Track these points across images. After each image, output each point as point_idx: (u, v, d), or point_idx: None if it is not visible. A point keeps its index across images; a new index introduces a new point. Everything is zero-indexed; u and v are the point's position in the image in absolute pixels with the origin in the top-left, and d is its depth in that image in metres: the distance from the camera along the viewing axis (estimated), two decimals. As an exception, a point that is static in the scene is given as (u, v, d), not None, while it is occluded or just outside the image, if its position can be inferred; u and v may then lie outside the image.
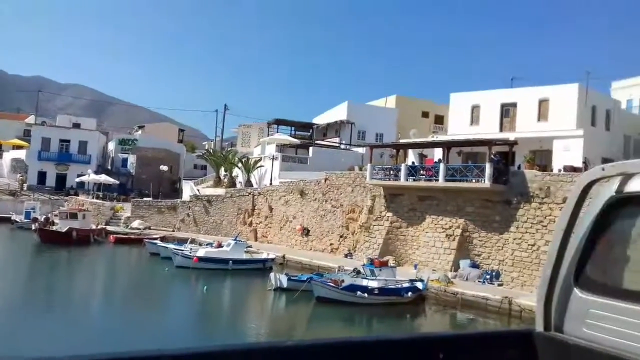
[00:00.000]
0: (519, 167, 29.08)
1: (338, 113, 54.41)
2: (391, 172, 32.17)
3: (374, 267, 24.09)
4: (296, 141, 49.54)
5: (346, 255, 33.23)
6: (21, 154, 65.36)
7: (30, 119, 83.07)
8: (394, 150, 35.91)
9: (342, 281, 22.98)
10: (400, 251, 30.86)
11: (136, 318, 19.78)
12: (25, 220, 45.58)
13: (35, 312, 19.86)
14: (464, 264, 27.31)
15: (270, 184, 43.63)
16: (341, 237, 35.09)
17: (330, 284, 22.67)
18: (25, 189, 58.76)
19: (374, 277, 23.32)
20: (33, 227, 39.64)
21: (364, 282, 23.12)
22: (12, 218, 48.49)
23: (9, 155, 67.26)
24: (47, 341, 15.69)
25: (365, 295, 22.29)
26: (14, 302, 21.57)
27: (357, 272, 24.38)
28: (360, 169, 37.61)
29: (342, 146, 51.17)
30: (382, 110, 54.58)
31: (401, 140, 39.75)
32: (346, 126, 52.42)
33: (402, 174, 30.76)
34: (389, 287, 23.22)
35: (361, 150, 45.88)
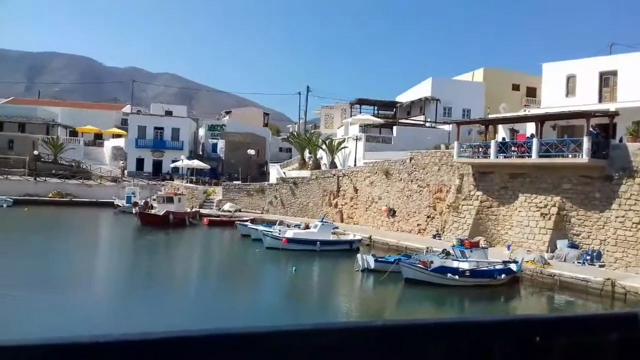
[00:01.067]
0: (620, 140, 27.06)
1: (422, 90, 53.19)
2: (480, 149, 31.08)
3: (464, 248, 23.50)
4: (379, 121, 49.06)
5: (434, 236, 32.68)
6: (120, 142, 69.64)
7: (127, 109, 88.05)
8: (482, 126, 34.62)
9: (431, 262, 22.62)
10: (492, 231, 29.88)
11: (230, 296, 20.60)
12: (127, 205, 48.61)
13: (138, 289, 21.24)
14: (561, 244, 25.98)
15: (355, 164, 43.62)
16: (428, 217, 34.52)
17: (419, 265, 22.39)
18: (125, 175, 62.64)
19: (465, 259, 22.76)
20: (134, 211, 42.19)
21: (455, 264, 22.63)
22: (115, 203, 51.92)
23: (110, 144, 71.87)
24: (147, 317, 16.74)
25: (456, 277, 21.83)
26: (119, 280, 23.19)
27: (447, 254, 23.91)
28: (447, 147, 36.66)
29: (427, 124, 50.07)
30: (469, 85, 52.72)
31: (490, 116, 38.22)
32: (431, 103, 51.19)
33: (492, 151, 29.62)
34: (481, 268, 22.58)
35: (447, 127, 44.67)
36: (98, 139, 75.86)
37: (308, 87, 74.55)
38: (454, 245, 24.75)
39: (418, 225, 35.07)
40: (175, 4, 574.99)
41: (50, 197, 54.13)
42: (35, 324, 14.93)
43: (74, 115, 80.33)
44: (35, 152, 60.31)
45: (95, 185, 58.25)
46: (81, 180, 58.56)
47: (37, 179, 56.36)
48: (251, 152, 57.93)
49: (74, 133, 75.03)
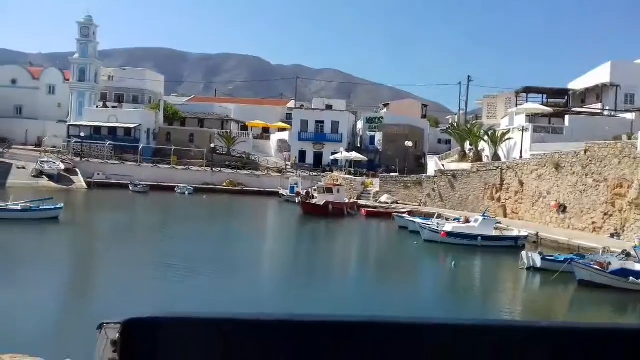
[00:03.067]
0: None
1: (599, 75, 48.24)
2: (672, 139, 27.31)
3: (649, 250, 20.85)
4: (549, 109, 45.51)
5: (612, 236, 29.47)
6: (285, 135, 73.66)
7: (291, 104, 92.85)
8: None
9: (609, 264, 20.42)
10: (685, 233, 26.13)
11: (387, 287, 20.67)
12: (290, 194, 51.35)
13: (301, 274, 22.28)
14: None
15: (520, 157, 41.03)
16: (605, 215, 31.23)
17: (596, 266, 20.36)
18: (289, 166, 66.18)
19: (651, 262, 20.19)
20: (296, 200, 44.40)
21: (637, 267, 20.19)
22: (280, 192, 55.17)
23: (275, 137, 76.42)
24: (308, 300, 17.46)
25: (640, 281, 19.46)
26: (284, 265, 24.55)
27: (627, 255, 21.42)
28: (629, 138, 32.80)
29: (606, 112, 45.29)
30: (657, 68, 46.61)
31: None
32: (609, 90, 46.23)
33: (688, 141, 25.84)
34: (672, 274, 19.85)
35: (629, 116, 39.99)
36: (265, 132, 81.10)
37: (469, 77, 71.60)
38: (635, 246, 22.10)
39: (593, 223, 31.93)
40: (338, 4, 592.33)
41: (224, 186, 59.23)
42: (210, 300, 16.42)
43: (244, 110, 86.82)
44: (212, 145, 66.27)
45: (262, 176, 62.42)
46: (250, 171, 63.14)
47: (214, 169, 61.97)
48: (409, 144, 57.52)
49: (244, 127, 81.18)
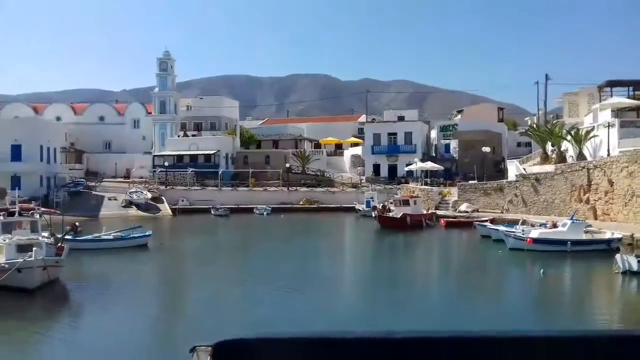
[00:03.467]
0: None
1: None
2: None
3: None
4: (636, 103, 42.71)
5: None
6: (358, 150, 73.80)
7: (362, 118, 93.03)
8: None
9: None
10: None
11: (472, 299, 20.01)
12: (366, 209, 51.20)
13: (382, 289, 22.03)
14: None
15: (608, 154, 38.72)
16: None
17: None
18: (364, 180, 66.11)
19: None
20: (373, 215, 44.17)
21: None
22: (355, 207, 55.15)
23: (349, 153, 76.74)
24: (390, 316, 17.23)
25: None
26: (365, 280, 24.41)
27: None
28: None
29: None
30: None
31: None
32: None
33: None
34: None
35: None
36: (338, 148, 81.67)
37: (547, 75, 68.66)
38: None
39: (696, 220, 29.48)
40: (403, 15, 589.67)
41: (301, 205, 60.02)
42: (291, 318, 16.61)
43: (317, 129, 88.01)
44: (287, 165, 67.53)
45: (338, 192, 62.72)
46: (326, 188, 63.65)
47: (290, 188, 63.03)
48: (486, 149, 55.86)
49: (317, 145, 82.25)
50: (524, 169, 47.92)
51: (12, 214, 23.31)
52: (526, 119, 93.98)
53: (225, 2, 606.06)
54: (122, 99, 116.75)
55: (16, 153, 54.86)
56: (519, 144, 71.99)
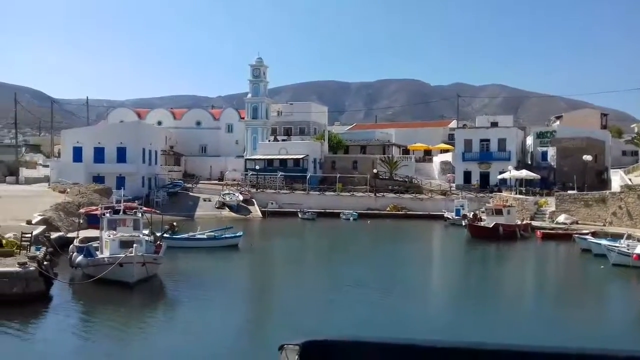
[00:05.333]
0: None
1: None
2: None
3: None
4: None
5: None
6: (448, 156, 72.09)
7: (453, 124, 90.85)
8: None
9: None
10: None
11: (569, 316, 18.84)
12: (456, 217, 49.81)
13: (471, 300, 21.31)
14: None
15: None
16: None
17: None
18: (454, 188, 64.41)
19: None
20: (463, 223, 42.88)
21: None
22: (444, 215, 53.84)
23: (438, 159, 75.17)
24: (480, 327, 16.59)
25: None
26: (454, 290, 23.73)
27: None
28: None
29: None
30: None
31: None
32: None
33: None
34: None
35: None
36: (427, 155, 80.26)
37: (657, 79, 63.78)
38: None
39: None
40: (496, 17, 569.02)
41: (388, 211, 59.52)
42: (376, 323, 16.45)
43: (405, 134, 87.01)
44: (375, 171, 67.26)
45: (426, 199, 61.58)
46: (414, 195, 62.71)
47: (377, 194, 62.74)
48: (587, 158, 52.56)
49: (406, 151, 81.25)
50: (630, 180, 44.66)
51: (117, 211, 24.95)
52: (632, 125, 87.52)
53: (313, 9, 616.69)
54: (218, 105, 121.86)
55: (121, 155, 58.86)
56: (624, 153, 67.21)
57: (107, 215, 24.31)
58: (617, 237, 32.43)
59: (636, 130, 74.99)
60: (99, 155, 58.76)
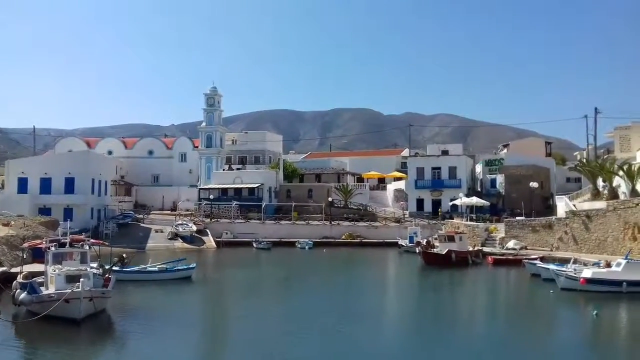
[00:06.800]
0: None
1: None
2: None
3: None
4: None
5: None
6: (401, 184, 73.26)
7: (405, 152, 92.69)
8: None
9: None
10: None
11: (521, 340, 19.21)
12: (410, 244, 50.41)
13: (426, 327, 21.46)
14: None
15: (664, 191, 37.12)
16: None
17: None
18: (407, 215, 65.31)
19: None
20: (416, 250, 43.43)
21: None
22: (398, 242, 54.39)
23: (391, 187, 76.25)
24: (436, 355, 16.72)
25: None
26: (408, 317, 23.83)
27: None
28: None
29: None
30: None
31: None
32: None
33: None
34: None
35: None
36: (381, 182, 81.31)
37: (596, 109, 67.17)
38: None
39: None
40: (446, 49, 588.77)
41: (343, 239, 59.72)
42: (335, 354, 16.32)
43: (359, 163, 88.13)
44: (330, 199, 67.58)
45: (380, 227, 62.16)
46: (368, 222, 63.21)
47: (332, 222, 62.90)
48: (534, 184, 54.50)
49: (360, 179, 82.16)
50: (574, 205, 46.41)
51: (63, 244, 24.00)
52: (575, 153, 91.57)
53: (267, 38, 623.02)
54: (171, 134, 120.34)
55: (69, 186, 57.03)
56: (568, 180, 69.96)
57: (53, 248, 23.37)
58: (564, 261, 33.56)
59: (578, 157, 78.43)
60: (45, 186, 56.79)
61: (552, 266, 31.42)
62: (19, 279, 23.91)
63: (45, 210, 53.57)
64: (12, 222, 43.96)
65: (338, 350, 17.06)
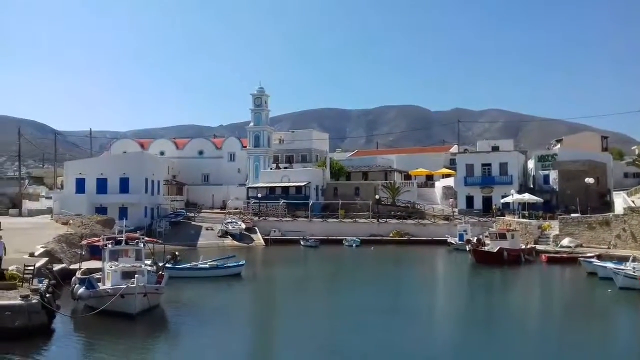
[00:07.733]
0: None
1: None
2: None
3: None
4: None
5: None
6: (450, 181, 72.05)
7: (454, 149, 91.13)
8: None
9: None
10: None
11: (577, 340, 18.58)
12: (460, 242, 49.54)
13: (477, 326, 21.05)
14: None
15: None
16: None
17: None
18: (456, 212, 64.20)
19: None
20: (467, 248, 42.63)
21: None
22: (448, 240, 53.56)
23: (440, 184, 75.12)
24: (487, 353, 16.37)
25: None
26: (459, 316, 23.44)
27: None
28: None
29: None
30: None
31: None
32: None
33: None
34: None
35: None
36: (429, 180, 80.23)
37: (656, 101, 64.09)
38: None
39: None
40: (495, 42, 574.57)
41: (391, 237, 59.26)
42: (385, 351, 16.24)
43: (406, 160, 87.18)
44: (377, 197, 67.19)
45: (429, 224, 61.35)
46: (416, 220, 62.49)
47: (379, 220, 62.54)
48: (589, 180, 52.52)
49: (407, 177, 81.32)
50: (633, 202, 44.50)
51: (119, 242, 24.85)
52: (633, 147, 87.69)
53: (312, 37, 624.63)
54: (220, 134, 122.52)
55: (124, 185, 58.94)
56: (625, 175, 67.12)
57: (109, 246, 24.24)
58: (622, 259, 32.21)
59: (637, 152, 75.13)
60: (101, 186, 58.86)
61: (609, 264, 30.25)
62: (78, 275, 25.00)
63: (101, 210, 55.58)
64: (71, 221, 45.93)
65: (388, 348, 16.97)
